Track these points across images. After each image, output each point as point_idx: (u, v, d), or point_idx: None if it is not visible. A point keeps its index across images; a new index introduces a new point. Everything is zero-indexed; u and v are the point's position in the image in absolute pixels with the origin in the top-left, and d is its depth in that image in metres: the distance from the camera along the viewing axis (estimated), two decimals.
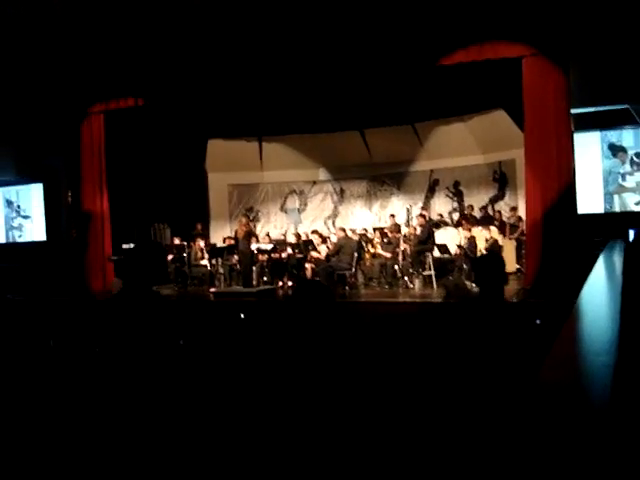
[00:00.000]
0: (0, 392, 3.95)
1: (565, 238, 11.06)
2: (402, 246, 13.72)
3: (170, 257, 15.16)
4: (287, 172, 19.16)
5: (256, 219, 19.16)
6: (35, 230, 16.63)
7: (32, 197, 16.63)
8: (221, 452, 2.81)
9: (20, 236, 16.92)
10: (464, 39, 11.87)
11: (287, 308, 3.64)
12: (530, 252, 11.93)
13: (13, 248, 16.76)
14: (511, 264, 14.01)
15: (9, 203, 16.96)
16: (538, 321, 4.13)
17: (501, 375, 3.16)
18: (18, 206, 16.88)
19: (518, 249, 14.12)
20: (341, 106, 15.55)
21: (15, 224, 16.95)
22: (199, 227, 17.06)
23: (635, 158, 12.61)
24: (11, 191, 16.88)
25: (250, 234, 15.35)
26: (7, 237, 17.07)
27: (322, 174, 19.40)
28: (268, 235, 16.64)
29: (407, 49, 12.21)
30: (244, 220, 15.76)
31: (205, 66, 13.64)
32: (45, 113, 15.50)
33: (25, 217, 16.81)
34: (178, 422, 3.41)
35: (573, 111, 11.32)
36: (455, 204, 17.89)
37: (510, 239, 14.43)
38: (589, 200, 12.02)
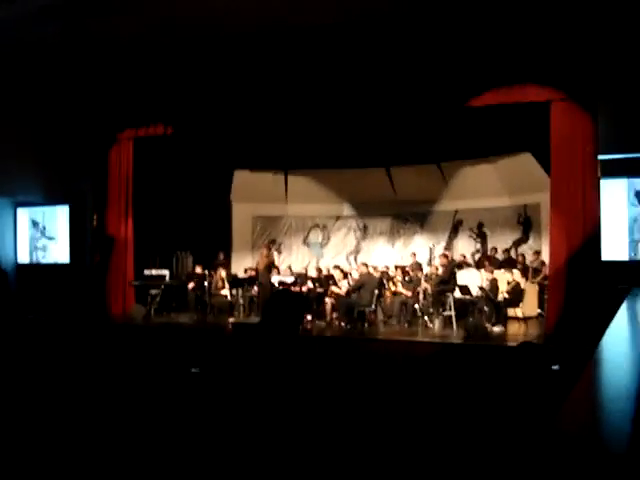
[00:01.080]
0: (16, 409, 3.94)
1: (588, 284, 10.94)
2: (423, 285, 13.66)
3: (191, 285, 15.16)
4: (311, 206, 19.19)
5: (278, 251, 19.14)
6: (59, 252, 16.72)
7: (58, 219, 16.74)
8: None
9: (44, 257, 17.03)
10: (493, 81, 11.91)
11: None
12: (552, 297, 11.82)
13: (37, 269, 16.86)
14: (533, 308, 13.93)
15: (35, 224, 17.10)
16: (555, 367, 4.08)
17: (517, 419, 3.11)
18: (43, 227, 17.00)
19: (540, 293, 14.01)
20: (368, 143, 15.61)
21: (39, 245, 17.06)
22: (221, 257, 17.08)
23: None
24: (37, 212, 17.01)
25: (271, 266, 15.38)
26: (31, 258, 17.19)
27: (346, 210, 19.43)
28: (290, 268, 16.64)
29: (436, 89, 12.26)
30: (265, 252, 15.82)
31: (235, 98, 13.77)
32: (75, 137, 15.70)
33: (49, 238, 16.93)
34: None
35: (600, 157, 11.27)
36: (478, 245, 17.80)
37: (533, 283, 14.32)
38: (614, 247, 11.90)
